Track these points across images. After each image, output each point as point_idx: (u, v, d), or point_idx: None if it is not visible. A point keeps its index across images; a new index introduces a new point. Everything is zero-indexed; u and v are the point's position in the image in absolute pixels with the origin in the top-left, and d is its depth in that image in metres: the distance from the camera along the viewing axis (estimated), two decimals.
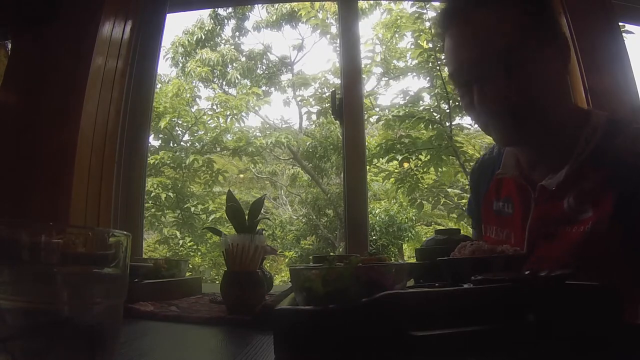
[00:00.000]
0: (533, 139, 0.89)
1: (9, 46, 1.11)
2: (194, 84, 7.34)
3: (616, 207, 0.80)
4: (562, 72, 0.88)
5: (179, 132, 7.10)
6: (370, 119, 5.86)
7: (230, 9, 7.48)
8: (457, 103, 5.28)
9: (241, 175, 7.84)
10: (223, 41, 7.77)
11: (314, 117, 7.00)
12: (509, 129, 0.86)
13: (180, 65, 7.53)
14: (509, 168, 0.99)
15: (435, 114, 5.36)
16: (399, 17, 5.95)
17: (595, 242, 0.81)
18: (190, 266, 6.09)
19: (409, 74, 6.13)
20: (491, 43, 0.81)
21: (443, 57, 0.92)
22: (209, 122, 7.01)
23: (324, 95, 6.72)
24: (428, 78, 5.66)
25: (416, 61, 5.62)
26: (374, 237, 6.16)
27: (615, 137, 0.84)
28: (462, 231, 1.14)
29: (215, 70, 7.45)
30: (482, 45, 0.82)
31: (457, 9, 0.87)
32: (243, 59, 7.79)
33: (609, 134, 0.85)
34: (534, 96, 0.82)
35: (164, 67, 7.55)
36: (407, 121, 5.46)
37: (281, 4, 7.13)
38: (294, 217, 7.48)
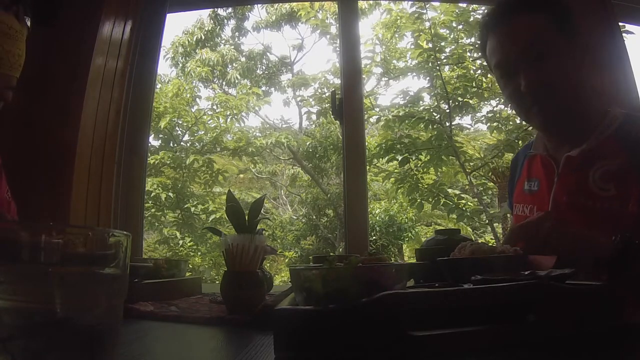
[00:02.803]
0: (565, 124, 1.05)
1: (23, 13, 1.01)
2: (194, 84, 7.34)
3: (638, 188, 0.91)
4: (587, 63, 1.06)
5: (179, 132, 7.10)
6: (370, 119, 5.86)
7: (230, 9, 7.48)
8: (457, 103, 5.29)
9: (241, 175, 7.84)
10: (223, 41, 7.78)
11: (314, 117, 7.00)
12: (550, 112, 1.02)
13: (180, 65, 7.54)
14: (539, 148, 1.15)
15: (435, 114, 5.36)
16: (398, 17, 5.94)
17: (616, 219, 0.90)
18: (190, 266, 6.09)
19: (409, 74, 6.12)
20: (530, 40, 1.00)
21: (486, 53, 1.12)
22: (209, 122, 7.01)
23: (324, 96, 6.72)
24: (428, 78, 5.65)
25: (416, 61, 5.61)
26: (374, 237, 6.17)
27: (630, 123, 1.00)
28: (462, 231, 1.15)
29: (215, 70, 7.45)
30: (524, 39, 1.00)
31: (500, 14, 1.06)
32: (243, 59, 7.80)
33: (627, 120, 1.01)
34: (567, 83, 1.00)
35: (164, 67, 7.57)
36: (407, 121, 5.45)
37: (281, 4, 7.13)
38: (294, 217, 7.48)
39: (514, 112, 1.12)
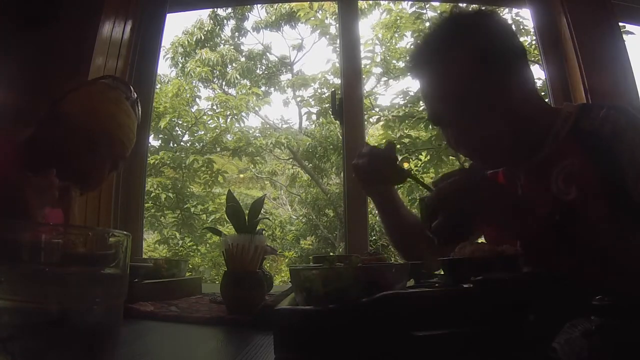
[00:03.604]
0: (512, 158, 0.97)
1: (135, 96, 1.23)
2: (193, 84, 7.34)
3: (598, 186, 0.85)
4: (531, 92, 0.95)
5: (179, 132, 7.10)
6: (370, 119, 5.86)
7: (229, 10, 7.47)
8: None
9: (241, 175, 7.84)
10: (222, 41, 7.77)
11: (313, 117, 7.00)
12: (490, 160, 0.97)
13: (180, 65, 7.53)
14: None
15: None
16: (398, 18, 5.95)
17: (582, 220, 0.83)
18: (190, 266, 6.09)
19: (409, 74, 6.11)
20: (454, 92, 0.89)
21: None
22: (209, 122, 7.00)
23: (324, 96, 6.72)
24: None
25: None
26: (374, 237, 6.17)
27: (586, 119, 0.91)
28: None
29: (215, 71, 7.45)
30: (447, 95, 0.91)
31: (416, 64, 0.97)
32: (242, 59, 7.79)
33: (582, 117, 0.93)
34: (505, 127, 0.90)
35: (164, 67, 7.55)
36: (407, 121, 5.45)
37: (280, 4, 7.13)
38: (294, 217, 7.48)
39: None
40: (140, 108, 1.24)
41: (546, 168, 0.94)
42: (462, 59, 0.90)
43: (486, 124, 0.89)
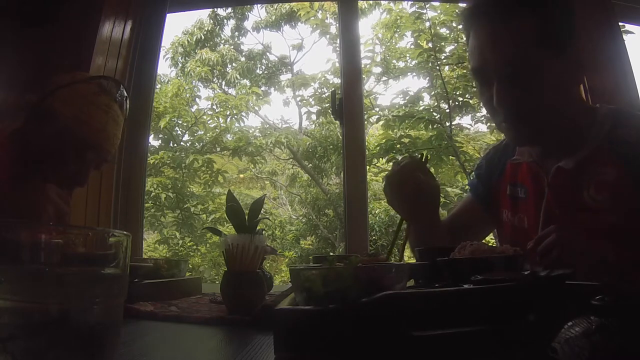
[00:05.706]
0: (544, 140, 0.97)
1: (124, 94, 1.16)
2: (193, 84, 7.34)
3: (632, 200, 0.85)
4: (578, 79, 0.95)
5: (179, 132, 7.10)
6: (370, 119, 5.86)
7: (229, 9, 7.47)
8: (457, 103, 5.29)
9: (241, 175, 7.83)
10: (222, 41, 7.77)
11: (313, 117, 7.00)
12: (523, 131, 0.94)
13: (180, 65, 7.53)
14: (524, 155, 1.05)
15: (435, 114, 5.37)
16: (398, 17, 5.95)
17: (612, 231, 0.83)
18: (190, 266, 6.09)
19: (409, 74, 6.13)
20: (511, 49, 0.87)
21: (467, 51, 1.00)
22: (208, 122, 7.00)
23: (324, 96, 6.72)
24: (428, 78, 5.66)
25: (416, 61, 5.62)
26: (374, 237, 6.16)
27: (622, 127, 0.91)
28: None
29: (214, 70, 7.45)
30: (503, 50, 0.88)
31: (482, 10, 0.93)
32: (242, 59, 7.79)
33: (618, 122, 0.92)
34: (547, 103, 0.89)
35: (164, 67, 7.55)
36: (407, 121, 5.46)
37: (280, 4, 7.12)
38: (294, 217, 7.48)
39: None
40: (128, 104, 1.19)
41: (578, 170, 0.92)
42: (535, 19, 0.88)
43: (535, 91, 0.89)
